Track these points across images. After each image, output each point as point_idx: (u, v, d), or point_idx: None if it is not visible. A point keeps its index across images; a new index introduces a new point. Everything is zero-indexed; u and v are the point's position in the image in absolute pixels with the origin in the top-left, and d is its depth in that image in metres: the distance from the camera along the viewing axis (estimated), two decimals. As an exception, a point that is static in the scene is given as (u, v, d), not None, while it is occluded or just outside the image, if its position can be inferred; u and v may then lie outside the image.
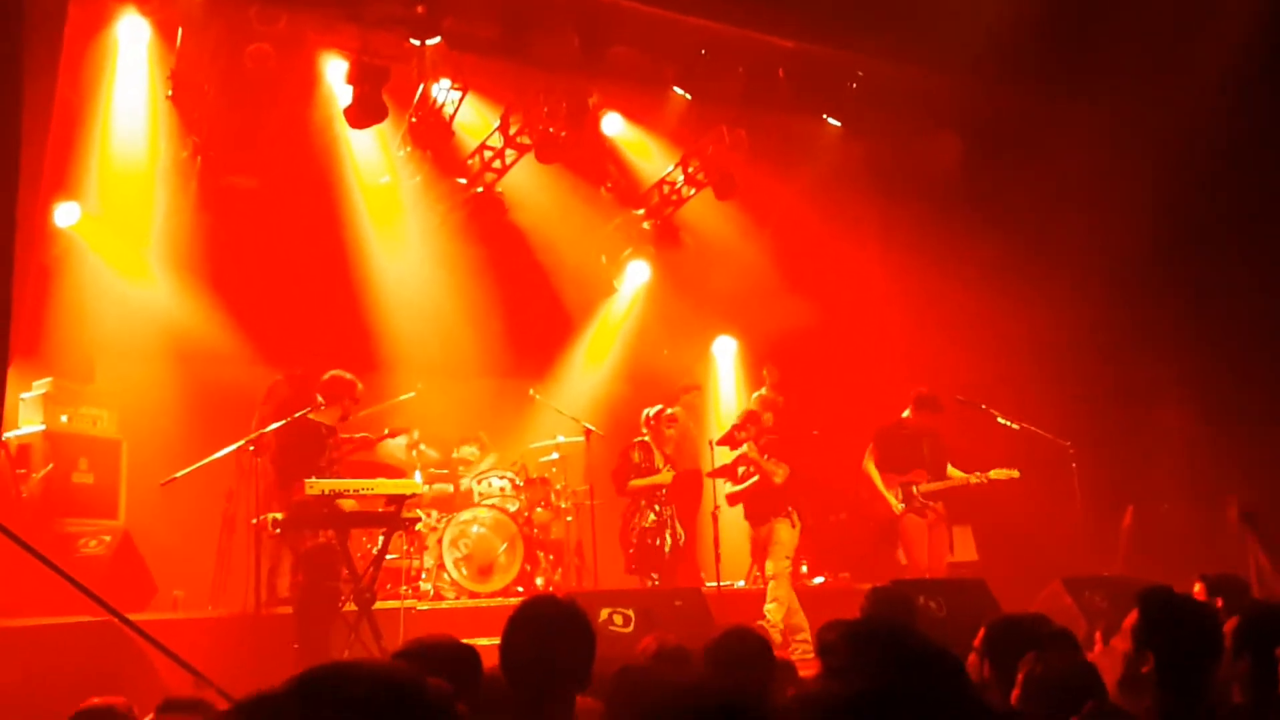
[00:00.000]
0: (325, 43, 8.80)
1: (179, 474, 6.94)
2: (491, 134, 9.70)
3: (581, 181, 10.59)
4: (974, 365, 9.55)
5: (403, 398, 9.32)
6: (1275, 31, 8.52)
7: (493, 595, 8.42)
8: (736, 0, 8.91)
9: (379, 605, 6.79)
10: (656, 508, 8.44)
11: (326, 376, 7.33)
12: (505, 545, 8.63)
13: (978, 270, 9.62)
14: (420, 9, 8.14)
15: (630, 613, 6.20)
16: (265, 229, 9.29)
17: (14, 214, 4.58)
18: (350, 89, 8.27)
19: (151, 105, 8.53)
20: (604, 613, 6.09)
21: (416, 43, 8.33)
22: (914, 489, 8.31)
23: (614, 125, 10.19)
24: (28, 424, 7.73)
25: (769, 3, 8.95)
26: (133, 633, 4.89)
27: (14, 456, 7.40)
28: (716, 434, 9.17)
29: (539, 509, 9.19)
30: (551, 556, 9.20)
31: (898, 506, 8.25)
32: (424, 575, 8.59)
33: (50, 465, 7.51)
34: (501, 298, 10.58)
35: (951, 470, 8.36)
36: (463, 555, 8.53)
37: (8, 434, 7.17)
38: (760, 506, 8.24)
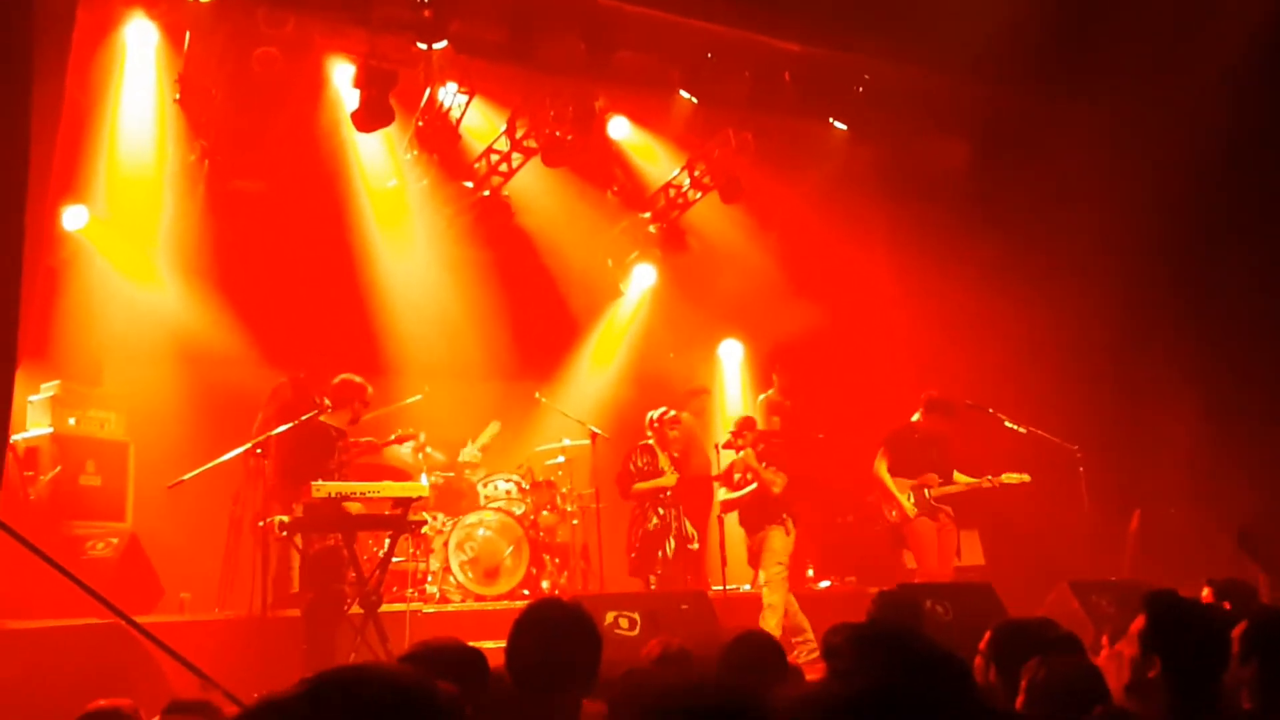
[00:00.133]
0: (332, 46, 8.81)
1: (186, 476, 6.95)
2: (498, 138, 9.71)
3: (588, 185, 10.59)
4: (979, 367, 9.54)
5: (409, 400, 9.35)
6: (1275, 31, 8.51)
7: (498, 598, 8.42)
8: (742, 4, 8.92)
9: (385, 608, 6.79)
10: (660, 511, 8.42)
11: (337, 380, 7.32)
12: (511, 548, 8.64)
13: (981, 271, 9.62)
14: (427, 13, 8.14)
15: (636, 616, 6.20)
16: (272, 232, 9.31)
17: (22, 217, 4.59)
18: (357, 93, 8.28)
19: (159, 109, 8.54)
20: (609, 616, 6.09)
21: (423, 46, 8.34)
22: (926, 492, 8.29)
23: (620, 129, 10.19)
24: (35, 426, 7.75)
25: (774, 6, 8.96)
26: (139, 635, 4.90)
27: (22, 459, 7.41)
28: (722, 439, 9.16)
29: (545, 512, 9.19)
30: (557, 560, 9.20)
31: (912, 510, 8.23)
32: (430, 578, 8.59)
33: (58, 468, 7.53)
34: (507, 301, 10.59)
35: (958, 475, 8.34)
36: (469, 558, 8.54)
37: (15, 436, 7.19)
38: (755, 514, 8.19)
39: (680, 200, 10.75)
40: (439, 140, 9.21)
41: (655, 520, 8.39)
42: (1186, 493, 9.26)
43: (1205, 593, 5.02)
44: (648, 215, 11.07)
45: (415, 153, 9.74)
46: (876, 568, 9.60)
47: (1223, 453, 9.02)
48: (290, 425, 7.04)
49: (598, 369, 11.69)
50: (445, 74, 8.75)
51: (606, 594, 7.65)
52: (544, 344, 11.22)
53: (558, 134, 9.29)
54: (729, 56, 9.21)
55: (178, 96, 8.40)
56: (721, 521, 8.49)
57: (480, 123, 9.67)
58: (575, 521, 9.31)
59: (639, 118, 10.18)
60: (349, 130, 8.86)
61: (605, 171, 10.73)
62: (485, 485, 9.41)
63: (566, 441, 9.70)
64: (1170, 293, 9.55)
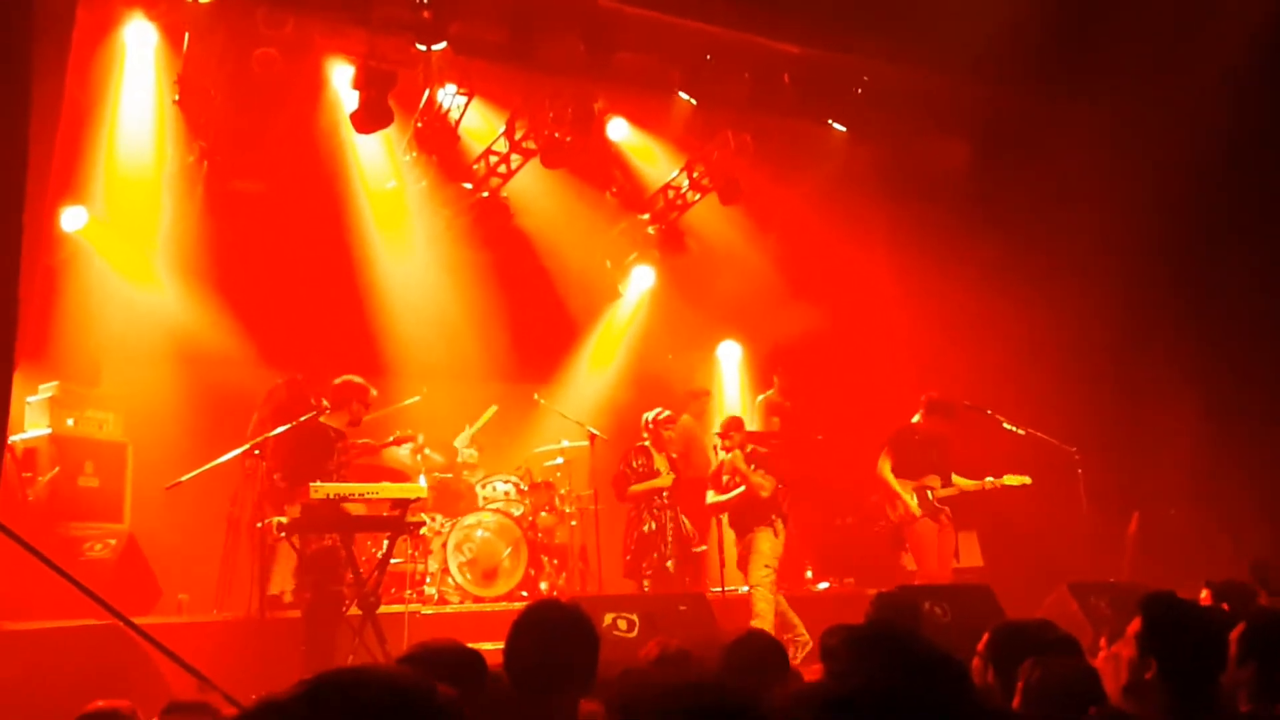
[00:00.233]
0: (332, 47, 8.82)
1: (184, 478, 6.94)
2: (497, 139, 9.72)
3: (587, 186, 10.60)
4: (979, 368, 9.54)
5: (407, 402, 9.34)
6: (1275, 31, 8.52)
7: (497, 599, 8.41)
8: (742, 5, 8.92)
9: (383, 609, 6.78)
10: (655, 512, 8.38)
11: (338, 381, 7.27)
12: (509, 549, 8.63)
13: (981, 272, 9.62)
14: (426, 14, 8.15)
15: (634, 617, 6.20)
16: (271, 233, 9.31)
17: (21, 218, 4.59)
18: (356, 94, 8.29)
19: (158, 110, 8.55)
20: (608, 617, 6.10)
21: (423, 48, 8.34)
22: (928, 494, 8.28)
23: (619, 130, 10.20)
24: (34, 427, 7.75)
25: (774, 8, 8.96)
26: (137, 636, 4.90)
27: (20, 460, 7.41)
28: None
29: (543, 513, 9.18)
30: (556, 561, 9.19)
31: (917, 511, 8.22)
32: (428, 579, 8.58)
33: (56, 469, 7.53)
34: (506, 302, 10.60)
35: (958, 479, 8.33)
36: (467, 559, 8.53)
37: (14, 437, 7.18)
38: (743, 517, 8.10)
39: (679, 201, 10.76)
40: (438, 141, 9.21)
41: (652, 523, 8.35)
42: (1186, 493, 9.27)
43: (1204, 594, 5.02)
44: (647, 216, 11.08)
45: (414, 154, 9.74)
46: (875, 569, 9.61)
47: (1223, 453, 9.02)
48: (289, 426, 7.02)
49: (596, 370, 11.70)
50: (444, 75, 8.75)
51: (605, 595, 7.64)
52: (543, 345, 11.22)
53: (557, 135, 9.30)
54: (728, 58, 9.21)
55: (177, 97, 8.41)
56: (720, 523, 8.46)
57: (479, 124, 9.68)
58: (574, 523, 9.30)
59: (638, 119, 10.18)
60: (348, 131, 8.87)
61: (604, 173, 10.73)
62: (484, 486, 9.40)
63: (565, 443, 9.69)
64: (1170, 293, 9.55)
